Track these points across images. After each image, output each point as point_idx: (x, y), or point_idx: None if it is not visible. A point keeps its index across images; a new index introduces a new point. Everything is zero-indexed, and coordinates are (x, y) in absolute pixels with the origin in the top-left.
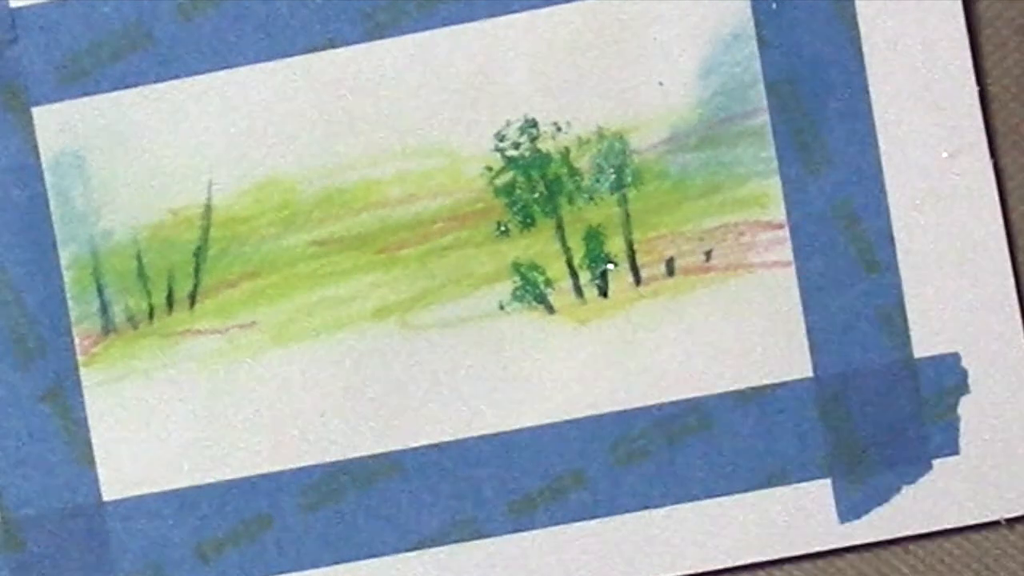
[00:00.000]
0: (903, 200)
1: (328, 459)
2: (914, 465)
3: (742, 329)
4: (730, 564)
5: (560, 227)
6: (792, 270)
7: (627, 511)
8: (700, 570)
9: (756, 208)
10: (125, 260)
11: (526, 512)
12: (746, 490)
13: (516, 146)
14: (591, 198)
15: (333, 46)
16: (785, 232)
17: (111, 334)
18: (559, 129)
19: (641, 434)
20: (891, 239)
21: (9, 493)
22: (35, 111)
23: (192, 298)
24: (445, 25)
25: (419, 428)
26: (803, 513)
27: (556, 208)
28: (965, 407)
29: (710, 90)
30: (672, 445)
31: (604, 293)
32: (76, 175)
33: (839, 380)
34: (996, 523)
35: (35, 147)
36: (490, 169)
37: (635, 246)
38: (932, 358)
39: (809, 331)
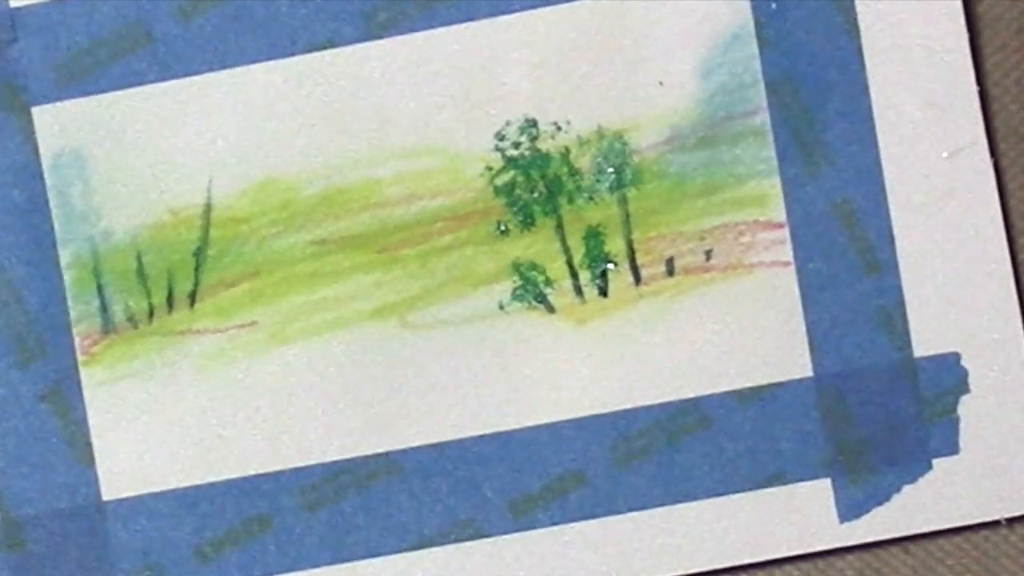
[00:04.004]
0: (903, 200)
1: (328, 459)
2: (914, 465)
3: (742, 329)
4: (730, 564)
5: (560, 227)
6: (792, 270)
7: (627, 511)
8: (700, 570)
9: (756, 208)
10: (125, 260)
11: (526, 512)
12: (746, 490)
13: (516, 146)
14: (591, 198)
15: (333, 46)
16: (785, 232)
17: (111, 334)
18: (559, 129)
19: (641, 434)
20: (891, 239)
21: (9, 493)
22: (35, 111)
23: (192, 298)
24: (445, 25)
25: (419, 428)
26: (803, 513)
27: (556, 208)
28: (965, 407)
29: (710, 90)
30: (672, 445)
31: (604, 293)
32: (76, 175)
33: (839, 380)
34: (996, 523)
35: (35, 147)
36: (490, 169)
37: (635, 246)
38: (932, 358)
39: (809, 331)
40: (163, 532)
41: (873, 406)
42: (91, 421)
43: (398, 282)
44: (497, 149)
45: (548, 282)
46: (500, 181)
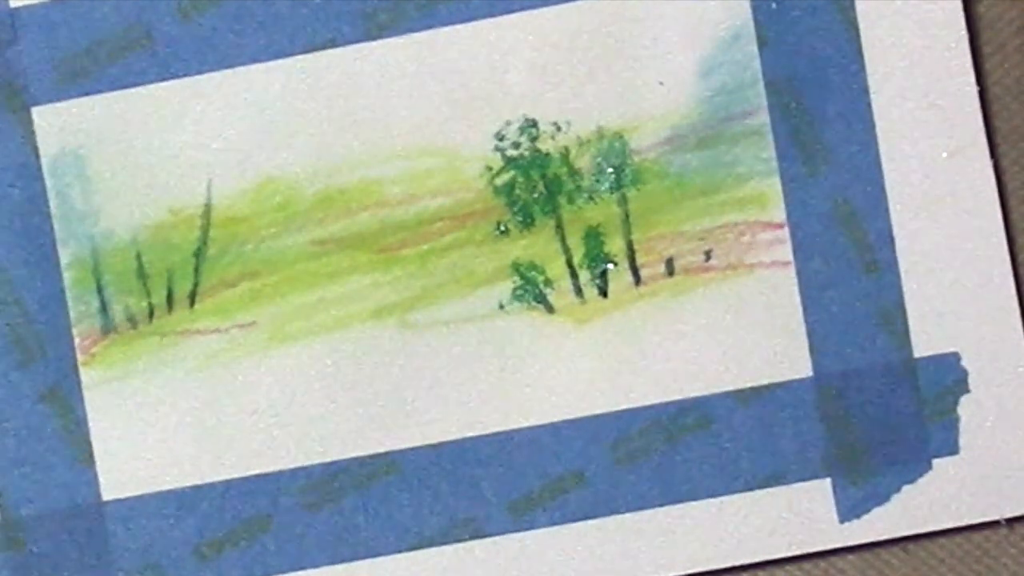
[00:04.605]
0: (903, 200)
1: (328, 459)
2: (914, 465)
3: (742, 329)
4: (730, 564)
5: (560, 227)
6: (792, 270)
7: (627, 511)
8: (700, 570)
9: (756, 208)
10: (125, 260)
11: (526, 512)
12: (746, 490)
13: (516, 146)
14: (591, 198)
15: (333, 46)
16: (785, 232)
17: (111, 334)
18: (559, 129)
19: (641, 434)
20: (891, 239)
21: (9, 493)
22: (35, 111)
23: (192, 298)
24: (445, 25)
25: (419, 428)
26: (803, 513)
27: (556, 208)
28: (965, 407)
29: (710, 90)
30: (672, 445)
31: (604, 293)
32: (76, 175)
33: (839, 380)
34: (996, 523)
35: (35, 147)
36: (490, 169)
37: (635, 246)
38: (932, 358)
39: (809, 331)
40: (163, 532)
41: (873, 406)
42: (91, 421)
43: (398, 282)
44: (497, 149)
45: (548, 282)
46: (500, 181)
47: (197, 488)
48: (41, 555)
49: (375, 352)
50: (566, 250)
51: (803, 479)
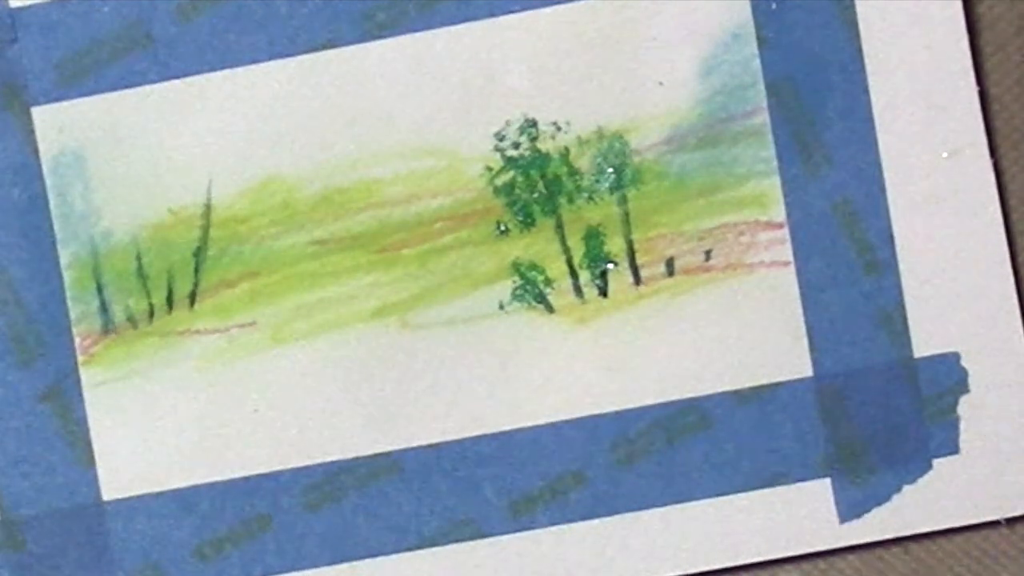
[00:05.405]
0: (903, 200)
1: (328, 459)
2: (914, 465)
3: (742, 329)
4: (730, 564)
5: (560, 227)
6: (792, 270)
7: (627, 511)
8: (700, 570)
9: (756, 208)
10: (125, 260)
11: (526, 512)
12: (746, 490)
13: (516, 146)
14: (591, 198)
15: (333, 46)
16: (785, 232)
17: (111, 334)
18: (559, 129)
19: (641, 434)
20: (891, 239)
21: (9, 493)
22: (35, 111)
23: (192, 298)
24: (445, 25)
25: (419, 428)
26: (803, 513)
27: (556, 208)
28: (965, 407)
29: (710, 90)
30: (672, 445)
31: (604, 293)
32: (76, 175)
33: (839, 380)
34: (996, 523)
35: (35, 147)
36: (490, 169)
37: (635, 246)
38: (932, 358)
39: (809, 331)
40: (163, 532)
41: (873, 406)
42: (91, 421)
43: (398, 282)
44: (497, 149)
45: (548, 282)
46: (500, 181)
47: (197, 488)
48: (41, 555)
49: (375, 352)
50: (566, 250)
51: (803, 479)
